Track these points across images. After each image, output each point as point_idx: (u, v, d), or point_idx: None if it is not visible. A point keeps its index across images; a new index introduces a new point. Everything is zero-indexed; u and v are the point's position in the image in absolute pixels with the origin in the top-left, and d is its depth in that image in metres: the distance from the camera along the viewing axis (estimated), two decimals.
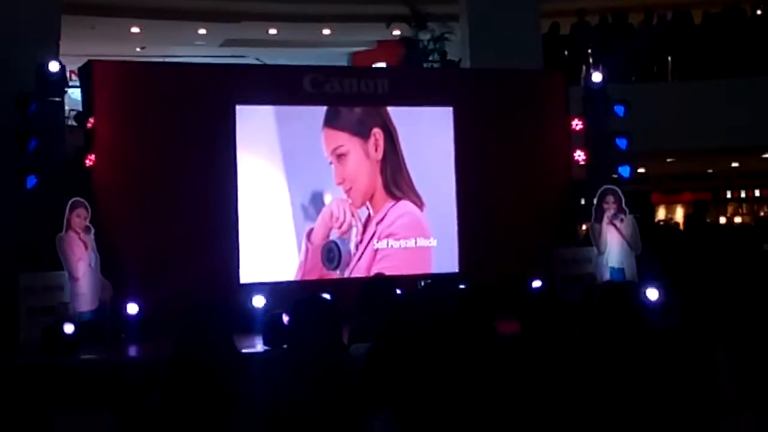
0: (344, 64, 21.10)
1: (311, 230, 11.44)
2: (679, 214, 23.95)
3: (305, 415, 3.99)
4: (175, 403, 3.96)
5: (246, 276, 11.17)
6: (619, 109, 12.35)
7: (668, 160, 19.01)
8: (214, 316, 4.19)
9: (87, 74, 11.08)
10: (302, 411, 3.99)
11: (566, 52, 15.41)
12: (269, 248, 11.31)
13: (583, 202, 12.72)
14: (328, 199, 11.54)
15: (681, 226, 20.68)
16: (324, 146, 11.57)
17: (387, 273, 9.53)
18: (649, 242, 11.70)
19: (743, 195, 24.68)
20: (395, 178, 11.84)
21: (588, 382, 3.90)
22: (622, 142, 12.31)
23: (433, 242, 11.91)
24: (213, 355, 4.05)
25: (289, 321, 4.27)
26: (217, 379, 4.00)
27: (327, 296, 5.26)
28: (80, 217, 10.25)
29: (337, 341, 4.26)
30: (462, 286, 6.46)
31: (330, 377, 4.07)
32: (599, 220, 11.71)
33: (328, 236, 11.51)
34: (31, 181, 10.42)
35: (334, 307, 4.53)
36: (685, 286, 11.08)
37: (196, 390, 3.95)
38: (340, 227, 11.53)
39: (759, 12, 17.72)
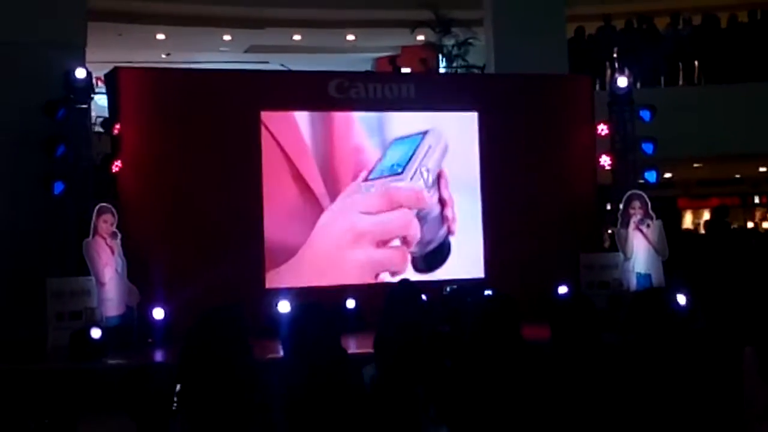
0: (368, 69, 21.09)
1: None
2: (706, 219, 23.73)
3: (303, 421, 3.95)
4: (194, 407, 3.95)
5: (272, 281, 11.19)
6: (645, 114, 12.28)
7: (695, 165, 18.87)
8: (228, 315, 4.15)
9: (113, 81, 11.17)
10: (300, 417, 3.95)
11: (592, 57, 15.33)
12: (296, 253, 11.31)
13: (609, 207, 12.67)
14: (352, 203, 11.54)
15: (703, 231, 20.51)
16: None
17: None
18: (676, 247, 11.62)
19: None
20: None
21: (618, 388, 3.87)
22: (648, 147, 12.25)
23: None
24: (229, 355, 4.02)
25: (287, 327, 4.23)
26: (234, 381, 3.98)
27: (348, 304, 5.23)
28: (107, 223, 10.32)
29: (335, 347, 4.20)
30: (488, 292, 6.44)
31: (329, 384, 4.01)
32: (625, 225, 11.63)
33: None
34: (59, 187, 10.51)
35: (333, 313, 4.48)
36: (706, 291, 11.03)
37: (214, 392, 3.93)
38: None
39: None
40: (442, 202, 11.84)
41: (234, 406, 3.85)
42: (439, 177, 11.79)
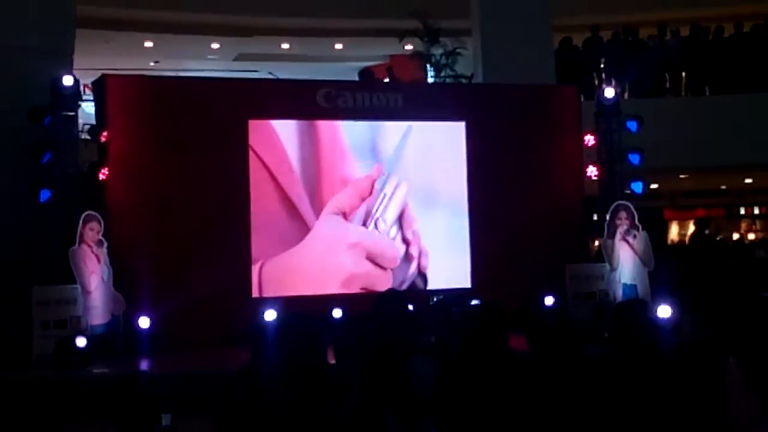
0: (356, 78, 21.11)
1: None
2: (691, 231, 23.82)
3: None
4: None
5: (258, 290, 11.17)
6: (632, 125, 12.32)
7: (681, 176, 18.93)
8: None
9: (101, 88, 11.15)
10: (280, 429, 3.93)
11: (579, 67, 15.37)
12: (282, 262, 11.30)
13: (595, 217, 12.70)
14: (339, 212, 11.54)
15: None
16: None
17: None
18: (662, 258, 11.67)
19: (757, 211, 24.54)
20: None
21: (598, 401, 3.88)
22: (634, 158, 12.29)
23: None
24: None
25: (270, 338, 4.21)
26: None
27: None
28: (93, 231, 10.29)
29: (319, 359, 4.18)
30: (474, 302, 6.43)
31: (309, 395, 3.99)
32: (612, 235, 11.66)
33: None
34: (45, 194, 10.47)
35: (317, 323, 4.46)
36: (690, 302, 11.09)
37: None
38: None
39: None
40: (405, 242, 11.82)
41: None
42: (400, 217, 11.77)
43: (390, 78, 15.62)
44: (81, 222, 10.22)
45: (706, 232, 14.87)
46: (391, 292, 6.62)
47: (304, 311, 4.76)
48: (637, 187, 12.29)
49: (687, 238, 21.71)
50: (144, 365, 9.96)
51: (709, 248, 14.11)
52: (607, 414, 3.81)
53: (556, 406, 3.88)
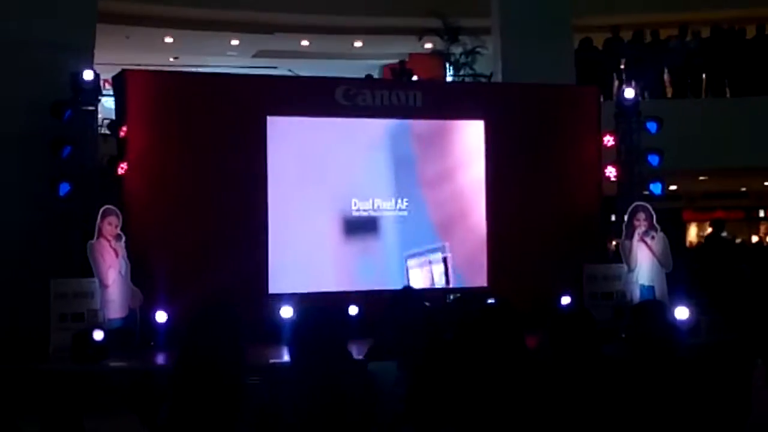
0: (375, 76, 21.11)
1: None
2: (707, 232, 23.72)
3: (308, 428, 3.93)
4: (184, 407, 3.94)
5: (275, 286, 11.19)
6: (652, 126, 12.28)
7: (701, 177, 18.85)
8: (222, 315, 4.15)
9: (120, 83, 11.19)
10: (305, 424, 3.94)
11: (599, 68, 15.32)
12: (299, 258, 11.31)
13: (613, 218, 12.66)
14: (356, 209, 11.56)
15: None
16: None
17: None
18: (679, 260, 11.63)
19: None
20: None
21: (614, 401, 3.86)
22: (654, 159, 12.24)
23: None
24: (220, 355, 4.02)
25: (292, 332, 4.21)
26: (225, 381, 3.97)
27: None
28: (111, 225, 10.34)
29: (341, 352, 4.18)
30: (490, 301, 6.44)
31: (334, 389, 4.00)
32: (630, 236, 11.63)
33: None
34: (64, 188, 10.52)
35: (339, 317, 4.46)
36: (706, 304, 11.04)
37: (204, 392, 3.93)
38: None
39: None
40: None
41: (223, 407, 3.85)
42: None
43: (402, 73, 15.57)
44: (99, 216, 10.27)
45: (724, 234, 14.79)
46: (407, 289, 6.58)
47: (322, 306, 4.75)
48: (656, 188, 12.24)
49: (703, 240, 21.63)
50: (160, 359, 9.99)
51: (723, 250, 14.04)
52: (623, 414, 3.80)
53: (573, 405, 3.87)
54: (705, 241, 15.25)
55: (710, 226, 15.68)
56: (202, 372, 3.91)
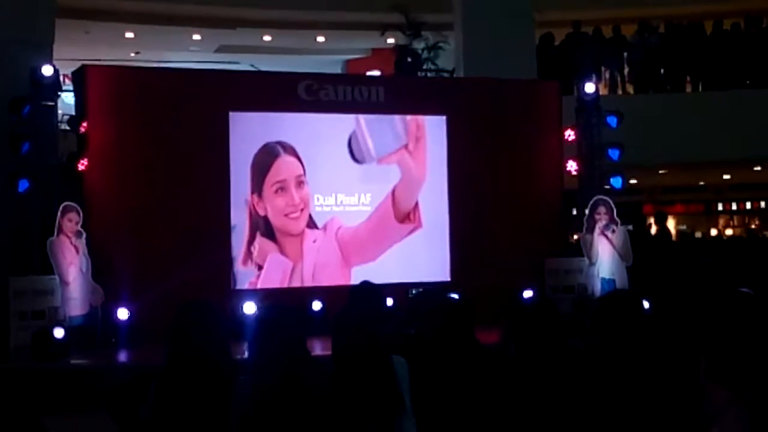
0: (338, 71, 21.10)
1: None
2: (671, 226, 24.02)
3: (267, 425, 3.93)
4: (170, 405, 3.94)
5: (238, 282, 11.17)
6: (612, 120, 12.40)
7: (660, 171, 19.06)
8: (210, 315, 4.18)
9: (81, 79, 11.09)
10: (263, 421, 3.94)
11: (560, 63, 15.43)
12: (262, 254, 11.30)
13: (574, 212, 12.77)
14: (319, 204, 11.56)
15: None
16: None
17: None
18: (639, 253, 11.74)
19: (735, 207, 24.75)
20: None
21: (583, 392, 3.88)
22: (614, 153, 12.36)
23: None
24: (210, 353, 4.03)
25: (254, 328, 4.22)
26: (213, 379, 3.98)
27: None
28: (72, 222, 10.25)
29: (299, 349, 4.18)
30: (453, 295, 6.45)
31: (291, 387, 4.00)
32: (591, 230, 11.73)
33: None
34: (24, 184, 10.42)
35: (299, 314, 4.46)
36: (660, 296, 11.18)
37: (191, 390, 3.93)
38: None
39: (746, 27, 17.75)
40: None
41: (211, 398, 3.85)
42: None
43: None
44: (59, 213, 10.17)
45: (676, 228, 14.96)
46: (365, 284, 6.54)
47: (283, 303, 4.76)
48: (617, 182, 12.36)
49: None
50: (122, 357, 9.94)
51: (669, 243, 14.22)
52: (590, 404, 3.82)
53: (537, 397, 3.89)
54: (655, 236, 15.39)
55: (654, 221, 15.86)
56: (194, 369, 3.91)
